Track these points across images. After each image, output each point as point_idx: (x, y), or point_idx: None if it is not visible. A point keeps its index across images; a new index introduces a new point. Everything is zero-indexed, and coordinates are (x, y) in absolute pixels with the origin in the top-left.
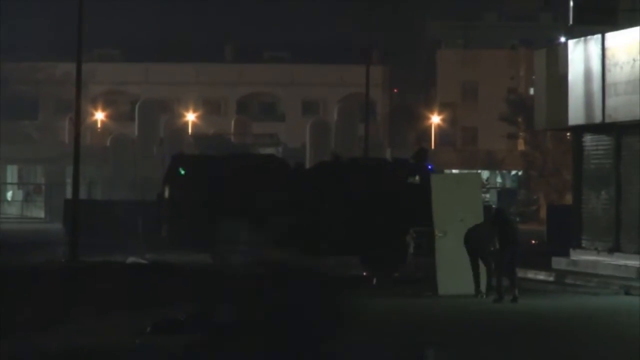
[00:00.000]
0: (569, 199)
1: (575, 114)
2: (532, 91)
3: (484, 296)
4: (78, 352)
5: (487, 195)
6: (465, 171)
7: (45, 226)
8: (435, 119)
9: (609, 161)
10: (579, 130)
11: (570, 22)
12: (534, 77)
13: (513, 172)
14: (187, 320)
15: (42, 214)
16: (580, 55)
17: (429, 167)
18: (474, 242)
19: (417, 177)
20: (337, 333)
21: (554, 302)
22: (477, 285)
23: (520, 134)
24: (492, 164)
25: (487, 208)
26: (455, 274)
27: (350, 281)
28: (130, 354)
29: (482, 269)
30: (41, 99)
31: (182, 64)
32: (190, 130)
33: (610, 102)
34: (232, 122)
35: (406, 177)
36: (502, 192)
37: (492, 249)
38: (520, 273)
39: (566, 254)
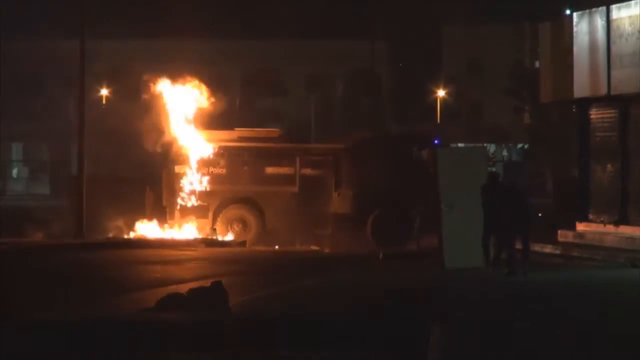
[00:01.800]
0: (575, 171)
1: (581, 87)
2: (537, 64)
3: (491, 269)
4: (85, 325)
5: (494, 169)
6: (471, 145)
7: (50, 202)
8: (441, 93)
9: (614, 133)
10: (584, 103)
11: None
12: (539, 50)
13: (519, 146)
14: (191, 297)
15: (47, 191)
16: (585, 27)
17: (436, 141)
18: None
19: (423, 153)
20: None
21: (560, 275)
22: (488, 257)
23: (526, 107)
24: (498, 138)
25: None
26: (461, 247)
27: (356, 258)
28: (135, 329)
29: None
30: (46, 76)
31: (185, 40)
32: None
33: (616, 74)
34: (237, 99)
35: (412, 152)
36: (509, 165)
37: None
38: None
39: (572, 227)
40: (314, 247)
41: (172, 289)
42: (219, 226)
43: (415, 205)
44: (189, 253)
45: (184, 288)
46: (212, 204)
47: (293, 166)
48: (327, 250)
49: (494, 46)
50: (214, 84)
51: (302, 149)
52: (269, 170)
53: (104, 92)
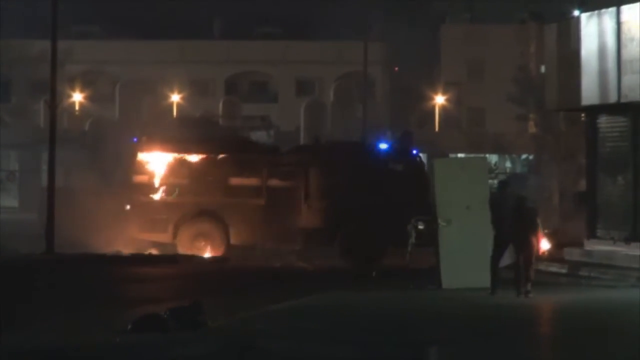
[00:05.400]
0: (583, 184)
1: (589, 94)
2: (543, 69)
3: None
4: (54, 352)
5: (495, 181)
6: (472, 155)
7: (19, 216)
8: (440, 99)
9: (625, 144)
10: (593, 111)
11: None
12: (544, 54)
13: (523, 156)
14: (170, 317)
15: (15, 203)
16: (594, 30)
17: (415, 152)
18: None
19: (400, 164)
20: (334, 328)
21: (568, 295)
22: (496, 280)
23: (531, 115)
24: (501, 148)
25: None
26: (460, 266)
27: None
28: (110, 354)
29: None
30: (14, 79)
31: (166, 41)
32: (175, 113)
33: (626, 80)
34: (221, 104)
35: (387, 163)
36: (512, 178)
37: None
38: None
39: (580, 244)
40: (301, 264)
41: (149, 308)
42: (180, 241)
43: (391, 218)
44: (167, 270)
45: (161, 308)
46: (173, 217)
47: (259, 177)
48: (311, 267)
49: (496, 48)
50: (195, 88)
51: (269, 159)
52: (234, 181)
53: (78, 96)
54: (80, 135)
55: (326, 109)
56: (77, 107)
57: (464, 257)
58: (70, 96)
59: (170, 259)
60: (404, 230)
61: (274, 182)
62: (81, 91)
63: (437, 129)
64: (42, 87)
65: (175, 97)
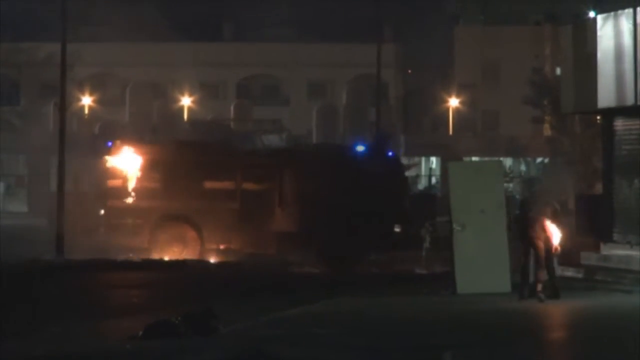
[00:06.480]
0: (599, 188)
1: (605, 96)
2: (558, 71)
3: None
4: (64, 359)
5: (510, 185)
6: (486, 158)
7: (28, 221)
8: (454, 102)
9: None
10: (610, 114)
11: None
12: (560, 55)
13: (538, 160)
14: (181, 323)
15: (24, 208)
16: (610, 31)
17: (390, 154)
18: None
19: (376, 166)
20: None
21: (584, 301)
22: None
23: (546, 117)
24: (515, 151)
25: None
26: (475, 271)
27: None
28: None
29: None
30: (23, 82)
31: (176, 44)
32: (185, 116)
33: None
34: (232, 107)
35: (363, 166)
36: (526, 182)
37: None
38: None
39: (596, 249)
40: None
41: (160, 314)
42: (154, 245)
43: (368, 222)
44: (176, 275)
45: (171, 313)
46: (148, 221)
47: (233, 180)
48: (317, 271)
49: (510, 50)
50: (206, 91)
51: (243, 162)
52: (208, 184)
53: (87, 100)
54: (90, 139)
55: (338, 112)
56: (86, 111)
57: (478, 262)
58: (79, 99)
59: (179, 265)
60: (383, 234)
61: (248, 186)
62: (90, 94)
63: (451, 132)
64: (51, 90)
65: (186, 101)
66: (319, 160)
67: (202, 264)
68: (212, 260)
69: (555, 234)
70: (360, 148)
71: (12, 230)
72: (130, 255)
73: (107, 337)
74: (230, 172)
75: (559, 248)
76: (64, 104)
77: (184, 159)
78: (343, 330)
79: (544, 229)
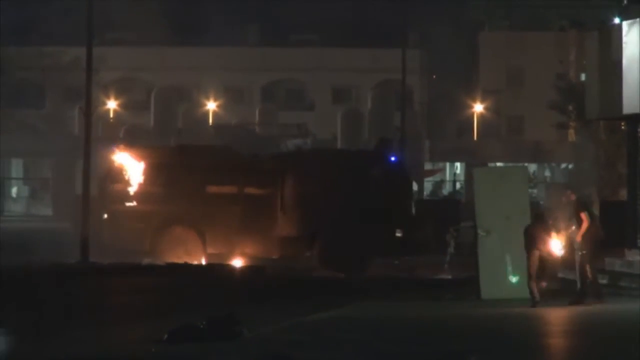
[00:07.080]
0: (623, 194)
1: (630, 102)
2: (583, 77)
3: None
4: None
5: (535, 191)
6: (511, 164)
7: (53, 225)
8: (478, 108)
9: None
10: (634, 120)
11: (625, 1)
12: (585, 61)
13: (563, 165)
14: (206, 327)
15: (49, 212)
16: (636, 37)
17: (393, 159)
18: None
19: (379, 171)
20: (371, 339)
21: (608, 307)
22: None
23: (571, 123)
24: (540, 156)
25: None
26: (499, 276)
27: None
28: None
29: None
30: (48, 86)
31: (201, 48)
32: (210, 121)
33: None
34: (257, 111)
35: (366, 170)
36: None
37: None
38: (571, 275)
39: (621, 255)
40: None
41: (184, 318)
42: (157, 249)
43: (370, 226)
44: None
45: (194, 318)
46: (150, 225)
47: (236, 184)
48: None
49: (535, 56)
50: (231, 95)
51: (246, 166)
52: (210, 189)
53: (112, 104)
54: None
55: (363, 117)
56: (111, 115)
57: (503, 268)
58: (104, 103)
59: (203, 269)
60: (387, 238)
61: (251, 190)
62: (116, 98)
63: (475, 137)
64: (76, 95)
65: (211, 105)
66: (321, 165)
67: (226, 268)
68: (236, 264)
69: (553, 244)
70: (363, 153)
71: (36, 233)
72: (150, 259)
73: (131, 340)
74: (233, 176)
75: (560, 255)
76: (90, 108)
77: (187, 162)
78: (367, 336)
79: (543, 241)
